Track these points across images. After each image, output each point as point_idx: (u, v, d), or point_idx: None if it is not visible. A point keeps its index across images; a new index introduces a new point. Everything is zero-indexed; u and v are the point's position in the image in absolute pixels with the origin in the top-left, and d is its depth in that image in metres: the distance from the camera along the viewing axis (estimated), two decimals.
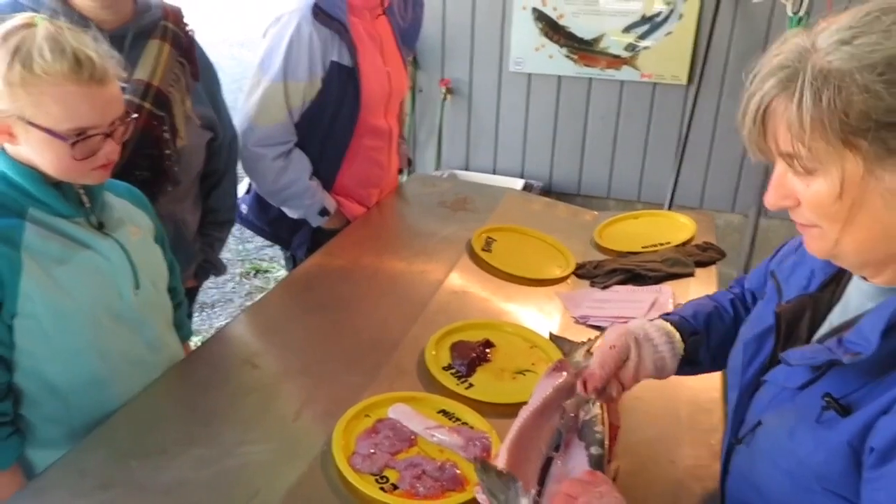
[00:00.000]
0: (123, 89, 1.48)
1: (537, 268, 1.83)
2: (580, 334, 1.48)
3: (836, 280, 0.88)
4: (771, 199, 0.78)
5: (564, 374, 1.12)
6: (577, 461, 0.98)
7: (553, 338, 1.49)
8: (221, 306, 3.58)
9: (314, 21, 1.82)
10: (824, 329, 0.86)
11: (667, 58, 3.30)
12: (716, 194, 3.45)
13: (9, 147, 1.14)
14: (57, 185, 1.17)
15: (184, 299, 1.53)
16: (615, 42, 3.34)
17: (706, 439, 1.19)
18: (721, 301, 1.16)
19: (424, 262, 1.82)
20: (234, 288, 3.77)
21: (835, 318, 0.85)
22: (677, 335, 1.07)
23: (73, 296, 1.17)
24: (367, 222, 2.06)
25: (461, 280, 1.74)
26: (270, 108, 1.84)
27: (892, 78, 0.65)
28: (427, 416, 1.24)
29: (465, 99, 3.61)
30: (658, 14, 3.26)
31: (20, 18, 1.10)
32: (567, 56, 3.40)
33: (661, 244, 1.94)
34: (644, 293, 1.68)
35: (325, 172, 1.99)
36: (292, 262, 2.14)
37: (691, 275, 1.76)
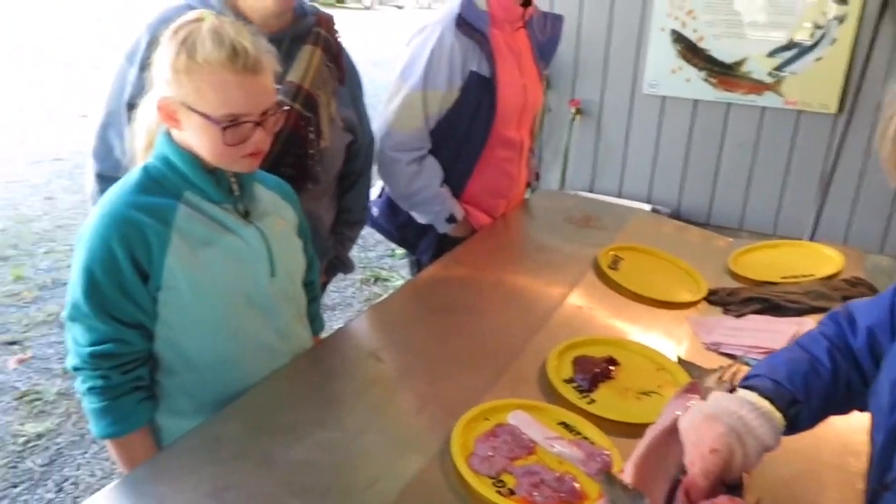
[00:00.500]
0: (276, 90, 1.59)
1: (666, 290, 1.77)
2: (710, 361, 1.42)
3: None
4: None
5: (696, 397, 1.07)
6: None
7: (681, 362, 1.44)
8: (341, 309, 3.70)
9: (456, 31, 1.87)
10: None
11: (815, 85, 3.12)
12: (863, 232, 3.22)
13: (174, 132, 1.22)
14: (211, 172, 1.24)
15: (319, 294, 1.58)
16: (758, 67, 3.20)
17: (853, 483, 1.10)
18: (815, 352, 1.00)
19: (549, 275, 1.81)
20: (353, 293, 3.89)
21: None
22: (777, 414, 0.93)
23: (212, 276, 1.23)
24: (493, 232, 2.07)
25: (585, 296, 1.71)
26: (408, 115, 1.90)
27: None
28: (547, 425, 1.22)
29: (594, 120, 3.57)
30: (808, 39, 3.09)
31: (192, 14, 1.20)
32: (705, 80, 3.30)
33: (804, 276, 1.83)
34: (784, 325, 1.58)
35: (456, 180, 2.02)
36: (416, 267, 2.18)
37: None
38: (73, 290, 1.19)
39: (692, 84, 3.30)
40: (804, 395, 0.95)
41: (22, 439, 2.57)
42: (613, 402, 1.32)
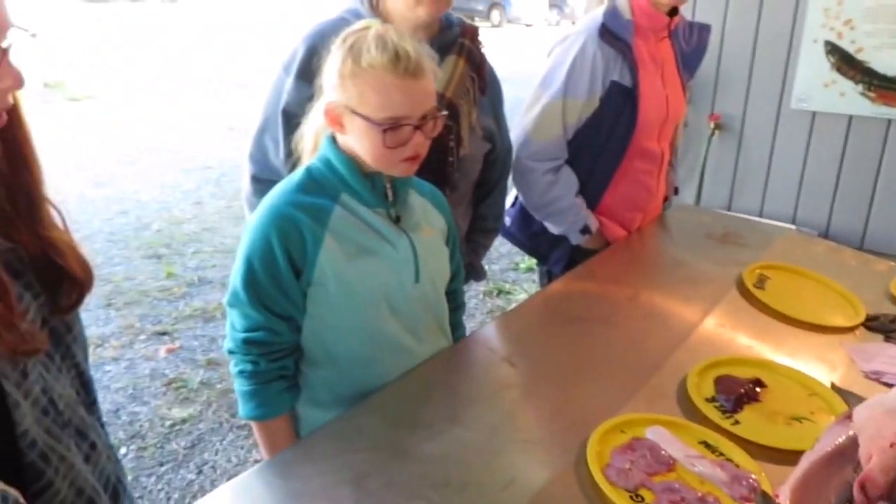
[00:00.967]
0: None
1: (817, 313, 1.65)
2: (869, 390, 1.32)
3: None
4: None
5: None
6: None
7: (837, 389, 1.34)
8: (464, 319, 3.73)
9: (599, 40, 1.85)
10: None
11: None
12: None
13: (338, 136, 1.28)
14: (368, 177, 1.28)
15: (463, 303, 1.59)
16: None
17: None
18: None
19: (687, 291, 1.74)
20: (476, 304, 3.91)
21: None
22: None
23: (359, 277, 1.27)
24: (628, 246, 2.02)
25: (728, 314, 1.63)
26: (547, 124, 1.90)
27: None
28: (687, 443, 1.17)
29: (735, 136, 3.41)
30: None
31: (360, 24, 1.26)
32: (862, 94, 3.07)
33: None
34: None
35: (592, 191, 2.00)
36: (547, 278, 2.17)
37: None
38: (234, 277, 1.27)
39: (847, 98, 3.08)
40: None
41: (169, 423, 2.78)
42: (760, 425, 1.24)
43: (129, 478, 2.41)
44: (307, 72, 1.56)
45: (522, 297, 3.94)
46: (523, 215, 2.11)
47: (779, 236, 2.12)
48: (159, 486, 2.44)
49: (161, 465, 2.54)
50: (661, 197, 2.20)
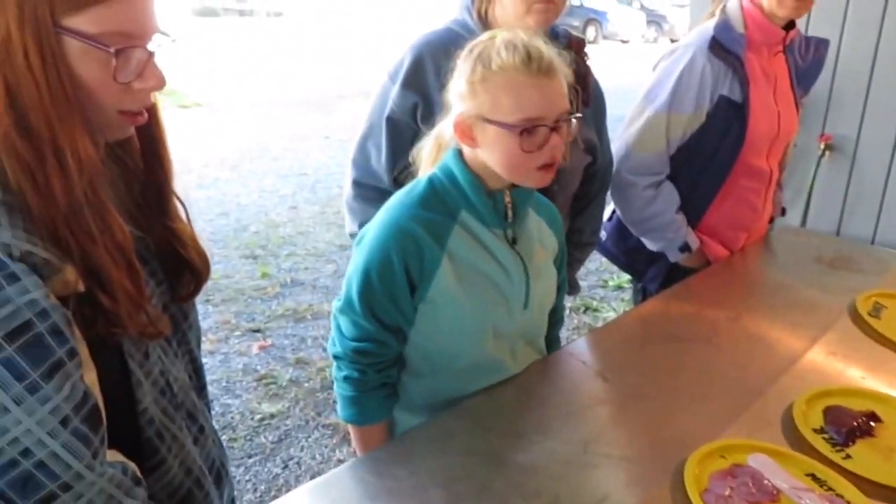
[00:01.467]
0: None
1: None
2: None
3: None
4: None
5: None
6: None
7: None
8: None
9: (709, 54, 1.80)
10: None
11: None
12: None
13: (465, 150, 1.23)
14: (490, 195, 1.24)
15: (562, 318, 1.57)
16: None
17: None
18: None
19: (794, 316, 1.66)
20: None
21: None
22: None
23: (471, 303, 1.25)
24: (730, 266, 1.95)
25: (839, 342, 1.54)
26: (650, 138, 1.86)
27: None
28: (793, 475, 1.11)
29: (848, 158, 3.23)
30: None
31: (485, 35, 1.21)
32: None
33: None
34: None
35: (693, 208, 1.94)
36: (641, 295, 2.11)
37: None
38: (349, 286, 1.26)
39: None
40: None
41: (258, 417, 2.87)
42: (874, 461, 1.17)
43: None
44: (412, 81, 1.60)
45: (610, 314, 3.86)
46: (620, 230, 2.07)
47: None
48: (247, 478, 2.52)
49: (249, 457, 2.63)
50: (767, 217, 2.11)
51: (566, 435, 1.17)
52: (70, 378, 0.75)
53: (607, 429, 1.21)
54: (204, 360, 3.40)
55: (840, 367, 1.46)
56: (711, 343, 1.52)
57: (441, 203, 1.24)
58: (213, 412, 2.93)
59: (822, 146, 3.26)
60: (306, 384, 3.11)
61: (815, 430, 1.23)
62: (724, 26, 1.83)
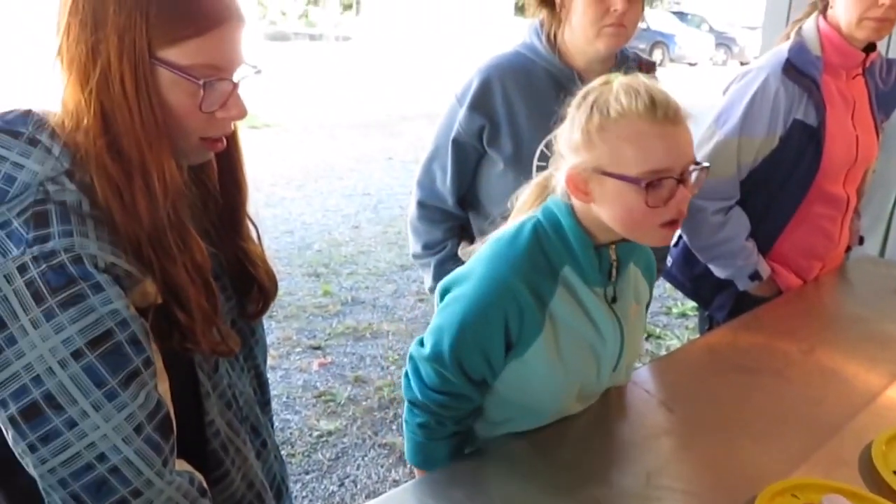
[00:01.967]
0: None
1: None
2: None
3: None
4: None
5: None
6: None
7: None
8: None
9: (783, 77, 1.75)
10: None
11: None
12: None
13: (577, 204, 1.13)
14: (597, 251, 1.14)
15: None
16: None
17: None
18: None
19: (873, 350, 1.58)
20: None
21: None
22: None
23: (564, 370, 1.18)
24: (803, 296, 1.88)
25: None
26: (720, 162, 1.81)
27: None
28: None
29: None
30: None
31: (599, 79, 1.12)
32: None
33: None
34: None
35: (765, 235, 1.87)
36: (708, 323, 2.05)
37: None
38: (439, 335, 1.17)
39: None
40: None
41: (316, 433, 2.90)
42: None
43: None
44: (480, 103, 1.61)
45: (674, 342, 3.77)
46: (686, 256, 2.02)
47: None
48: (304, 494, 2.54)
49: (307, 473, 2.65)
50: (844, 246, 2.02)
51: (628, 466, 1.14)
52: (145, 387, 0.78)
53: (671, 461, 1.18)
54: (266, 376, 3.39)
55: None
56: (783, 376, 1.47)
57: (544, 256, 1.14)
58: (273, 427, 2.98)
59: None
60: (364, 402, 3.13)
61: (895, 472, 1.17)
62: (799, 48, 1.78)
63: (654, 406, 1.35)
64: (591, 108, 1.07)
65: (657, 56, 17.96)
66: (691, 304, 3.86)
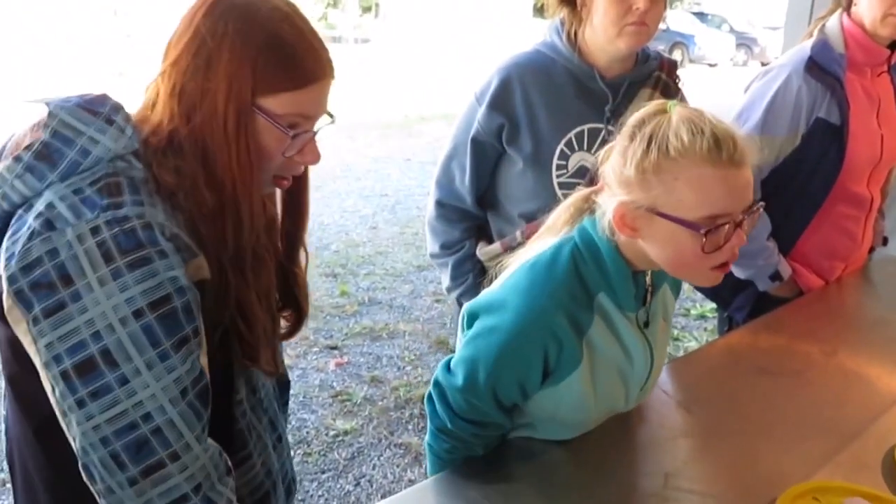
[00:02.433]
0: (609, 132, 1.59)
1: None
2: None
3: None
4: None
5: None
6: None
7: None
8: None
9: (806, 75, 1.73)
10: None
11: None
12: None
13: (621, 238, 1.07)
14: (634, 279, 1.10)
15: None
16: None
17: None
18: None
19: (894, 353, 1.56)
20: None
21: None
22: None
23: (595, 392, 1.14)
24: (825, 297, 1.85)
25: None
26: None
27: None
28: None
29: None
30: None
31: (653, 106, 1.04)
32: None
33: None
34: None
35: (786, 235, 1.85)
36: (727, 324, 2.03)
37: None
38: (473, 367, 1.11)
39: None
40: None
41: (333, 433, 2.91)
42: None
43: None
44: (499, 102, 1.60)
45: (692, 344, 3.73)
46: None
47: None
48: (320, 493, 2.55)
49: (323, 472, 2.66)
50: (867, 246, 1.99)
51: (647, 467, 1.14)
52: (192, 354, 0.82)
53: (690, 463, 1.17)
54: None
55: None
56: (803, 378, 1.45)
57: (581, 283, 1.09)
58: (289, 426, 3.00)
59: None
60: (380, 402, 3.13)
61: None
62: (822, 46, 1.75)
63: (672, 407, 1.34)
64: (649, 142, 0.99)
65: (677, 56, 17.79)
66: (710, 305, 3.82)
